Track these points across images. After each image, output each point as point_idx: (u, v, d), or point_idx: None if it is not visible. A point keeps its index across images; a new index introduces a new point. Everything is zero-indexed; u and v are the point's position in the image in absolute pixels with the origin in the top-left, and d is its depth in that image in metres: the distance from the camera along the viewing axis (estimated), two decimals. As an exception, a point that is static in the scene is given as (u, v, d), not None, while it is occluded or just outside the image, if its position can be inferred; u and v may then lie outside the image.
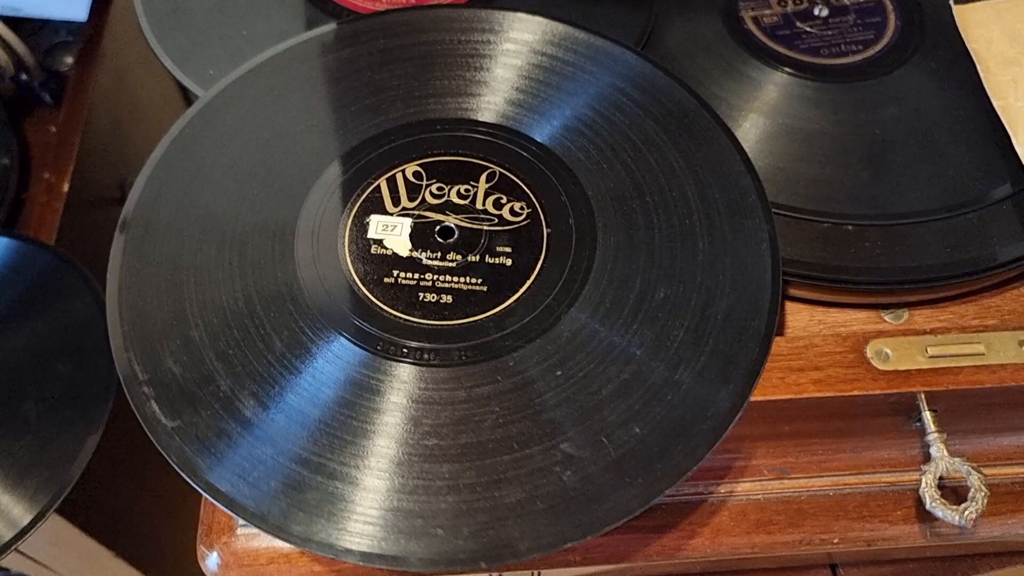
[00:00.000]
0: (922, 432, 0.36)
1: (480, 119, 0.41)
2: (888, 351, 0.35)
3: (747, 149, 0.39)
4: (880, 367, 0.34)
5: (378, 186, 0.38)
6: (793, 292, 0.40)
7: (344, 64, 0.42)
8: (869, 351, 0.34)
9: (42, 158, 0.67)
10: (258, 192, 0.38)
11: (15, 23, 0.74)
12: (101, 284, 0.51)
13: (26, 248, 0.58)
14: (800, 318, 0.40)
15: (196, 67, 0.43)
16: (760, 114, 0.44)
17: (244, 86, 0.41)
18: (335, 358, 0.34)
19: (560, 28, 0.43)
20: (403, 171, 0.39)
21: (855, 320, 0.40)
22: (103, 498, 0.61)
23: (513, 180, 0.39)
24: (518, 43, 0.42)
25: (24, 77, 0.69)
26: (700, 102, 0.40)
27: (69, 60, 0.74)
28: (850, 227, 0.40)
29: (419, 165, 0.39)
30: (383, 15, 0.44)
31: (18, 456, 0.49)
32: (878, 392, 0.33)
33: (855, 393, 0.33)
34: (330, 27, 0.43)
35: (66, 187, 0.65)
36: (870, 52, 0.46)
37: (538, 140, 0.39)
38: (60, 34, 0.77)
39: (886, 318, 0.40)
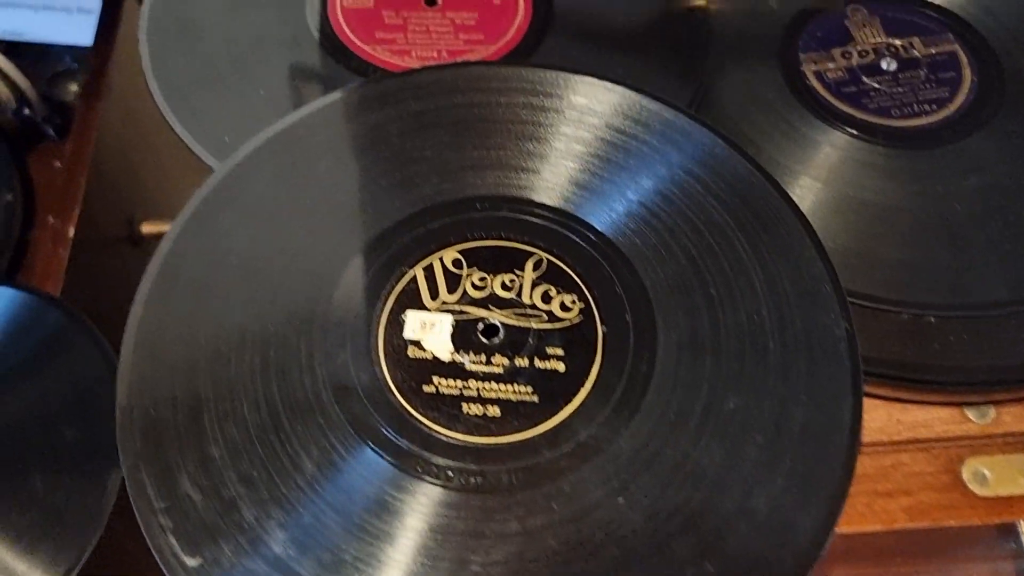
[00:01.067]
0: (1018, 554, 0.33)
1: (525, 196, 0.37)
2: (986, 472, 0.31)
3: (814, 226, 0.35)
4: (979, 492, 0.31)
5: (414, 276, 0.35)
6: (868, 389, 0.37)
7: (372, 131, 0.39)
8: (965, 473, 0.31)
9: (47, 197, 0.63)
10: (280, 283, 0.35)
11: (16, 48, 0.71)
12: (109, 339, 0.48)
13: (32, 301, 0.55)
14: (876, 417, 0.37)
15: (210, 132, 0.39)
16: (826, 184, 0.40)
17: (262, 158, 0.37)
18: (370, 482, 0.31)
19: (627, 97, 0.39)
20: (441, 258, 0.35)
21: (937, 420, 0.36)
22: (117, 570, 0.58)
23: (562, 268, 0.35)
24: (574, 110, 0.39)
25: (27, 112, 0.65)
26: (766, 176, 0.37)
27: (74, 88, 0.71)
28: (932, 319, 0.36)
29: (458, 251, 0.36)
30: (414, 74, 0.40)
31: (26, 531, 0.46)
32: (978, 523, 0.30)
33: (952, 524, 0.30)
34: (356, 88, 0.39)
35: (72, 232, 0.61)
36: (945, 113, 0.42)
37: (597, 228, 0.36)
38: (64, 61, 0.74)
39: (971, 416, 0.36)
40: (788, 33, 0.45)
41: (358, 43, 0.42)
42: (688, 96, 0.42)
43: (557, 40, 0.43)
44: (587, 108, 0.39)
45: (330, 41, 0.42)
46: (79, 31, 0.75)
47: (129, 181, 0.71)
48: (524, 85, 0.40)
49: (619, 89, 0.39)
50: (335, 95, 0.39)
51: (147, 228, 0.68)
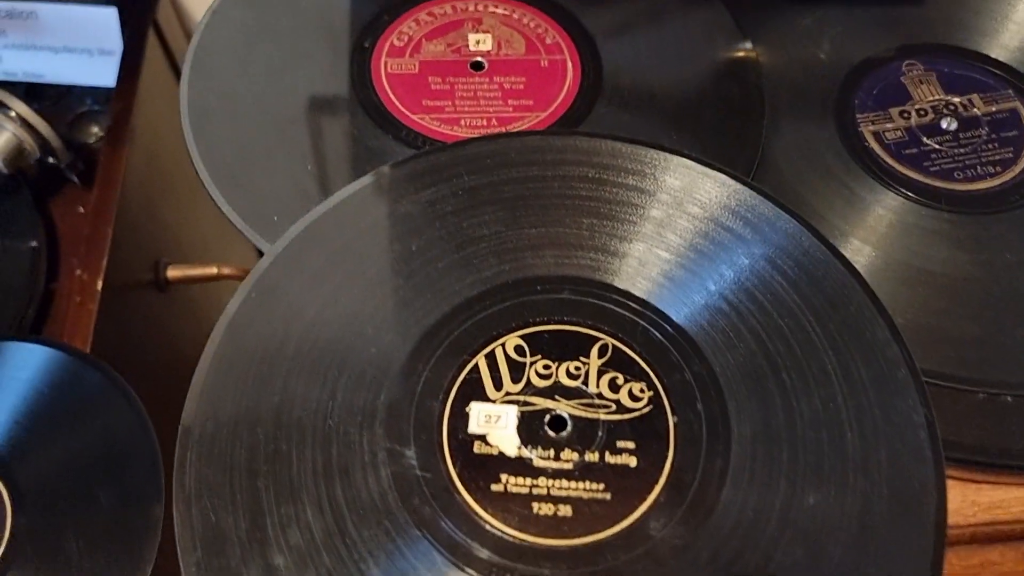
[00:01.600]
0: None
1: (586, 276, 0.36)
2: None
3: (888, 305, 0.34)
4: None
5: (476, 365, 0.34)
6: (944, 472, 0.36)
7: (426, 209, 0.37)
8: (1057, 571, 0.30)
9: (72, 244, 0.62)
10: (338, 376, 0.33)
11: (38, 90, 0.70)
12: (141, 396, 0.47)
13: (64, 359, 0.54)
14: (950, 498, 0.35)
15: (258, 211, 0.38)
16: (889, 254, 0.39)
17: (312, 240, 0.36)
18: (442, 590, 0.30)
19: (705, 178, 0.37)
20: (503, 345, 0.34)
21: (1015, 500, 0.35)
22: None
23: (629, 355, 0.34)
24: (639, 186, 0.37)
25: (50, 160, 0.64)
26: (834, 253, 0.36)
27: (96, 131, 0.70)
28: (1009, 398, 0.35)
29: (521, 337, 0.35)
30: (466, 146, 0.39)
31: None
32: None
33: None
34: (407, 163, 0.38)
35: (100, 285, 0.60)
36: (1010, 174, 0.41)
37: (670, 316, 0.34)
38: (85, 102, 0.73)
39: (1050, 498, 0.35)
40: (843, 90, 0.44)
41: (405, 112, 0.41)
42: (746, 164, 0.41)
43: (609, 103, 0.42)
44: (659, 185, 0.38)
45: (377, 111, 0.41)
46: (101, 73, 0.75)
47: (154, 226, 0.70)
48: (580, 157, 0.39)
49: (695, 167, 0.38)
50: (385, 170, 0.38)
51: (173, 273, 0.68)
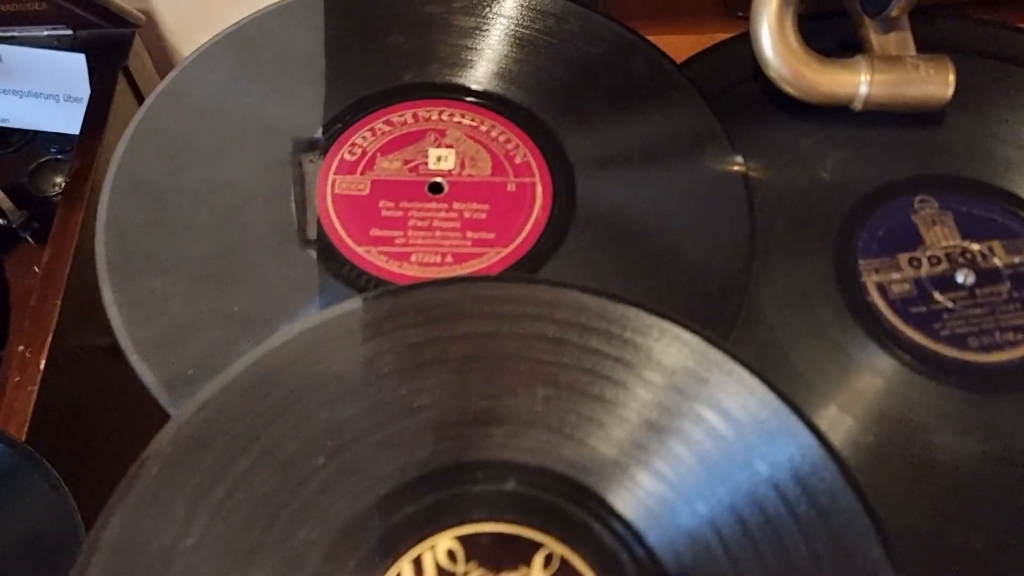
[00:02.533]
0: None
1: (537, 464, 0.31)
2: None
3: (879, 504, 0.29)
4: None
5: (399, 574, 0.29)
6: None
7: (362, 369, 0.33)
8: None
9: (20, 317, 0.58)
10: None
11: (2, 134, 0.67)
12: (83, 475, 0.43)
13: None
14: None
15: (171, 362, 0.33)
16: (889, 436, 0.34)
17: (231, 404, 0.32)
18: None
19: (698, 353, 0.32)
20: (434, 548, 0.30)
21: None
22: None
23: (577, 570, 0.29)
24: (604, 356, 0.33)
25: (1, 221, 0.61)
26: (826, 446, 0.31)
27: (59, 180, 0.66)
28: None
29: (455, 539, 0.30)
30: (412, 292, 0.34)
31: None
32: None
33: None
34: (346, 309, 0.34)
35: (43, 364, 0.56)
36: (1033, 344, 0.36)
37: (649, 543, 0.29)
38: (50, 150, 0.70)
39: None
40: (845, 226, 0.39)
41: (349, 243, 0.37)
42: (730, 316, 0.36)
43: (580, 237, 0.37)
44: (629, 352, 0.33)
45: (320, 238, 0.36)
46: (67, 119, 0.71)
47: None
48: (540, 311, 0.34)
49: (672, 330, 0.33)
50: (319, 318, 0.34)
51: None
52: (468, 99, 0.41)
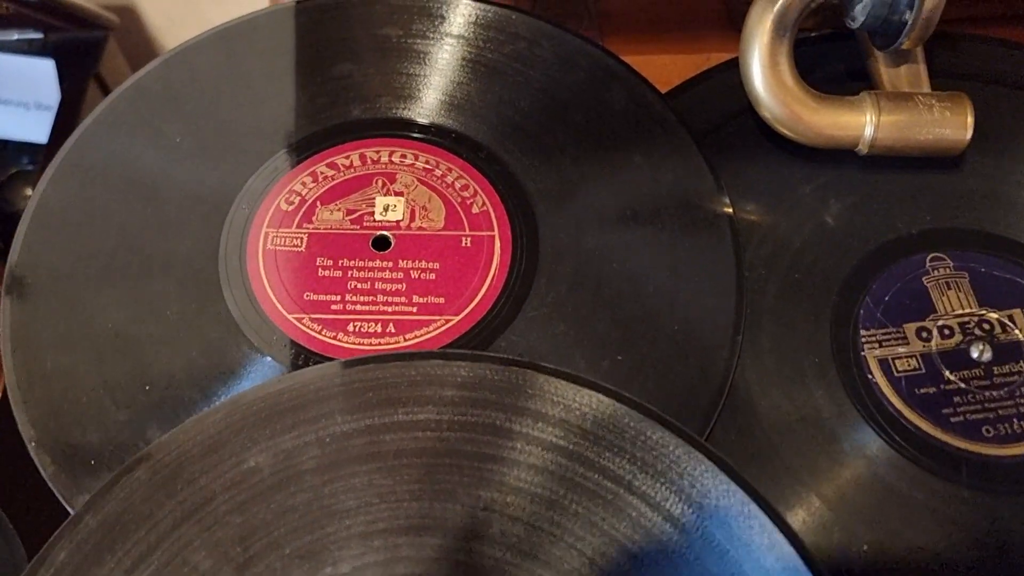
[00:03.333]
0: None
1: (472, 584, 0.27)
2: None
3: None
4: None
5: None
6: None
7: (280, 464, 0.29)
8: None
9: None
10: None
11: None
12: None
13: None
14: None
15: (69, 447, 0.29)
16: (886, 543, 0.29)
17: (134, 500, 0.28)
18: None
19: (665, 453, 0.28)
20: None
21: None
22: None
23: None
24: (567, 453, 0.28)
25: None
26: (807, 560, 0.26)
27: (29, 192, 0.63)
28: None
29: (375, 675, 0.26)
30: (345, 369, 0.30)
31: None
32: None
33: None
34: (265, 391, 0.29)
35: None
36: (1058, 435, 0.31)
37: None
38: (21, 161, 0.67)
39: None
40: (846, 289, 0.34)
41: (280, 309, 0.32)
42: (711, 398, 0.31)
43: (541, 303, 0.33)
44: (592, 451, 0.28)
45: (248, 302, 0.32)
46: (34, 128, 0.68)
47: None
48: (486, 395, 0.30)
49: (657, 437, 0.28)
50: (229, 405, 0.29)
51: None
52: (420, 136, 0.36)
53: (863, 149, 0.35)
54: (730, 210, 0.35)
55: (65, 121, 0.67)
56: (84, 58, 0.67)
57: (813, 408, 0.32)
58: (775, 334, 0.34)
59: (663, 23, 0.46)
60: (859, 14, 0.34)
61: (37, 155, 0.66)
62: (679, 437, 0.29)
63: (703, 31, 0.46)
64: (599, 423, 0.29)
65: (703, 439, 0.31)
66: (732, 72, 0.39)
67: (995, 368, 0.32)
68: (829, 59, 0.39)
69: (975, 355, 0.33)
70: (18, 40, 0.67)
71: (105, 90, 0.68)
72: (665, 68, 0.42)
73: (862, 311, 0.34)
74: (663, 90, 0.40)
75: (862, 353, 0.33)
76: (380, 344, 0.32)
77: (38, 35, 0.67)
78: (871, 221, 0.35)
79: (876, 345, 0.33)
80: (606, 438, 0.29)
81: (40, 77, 0.67)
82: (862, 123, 0.34)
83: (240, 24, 0.39)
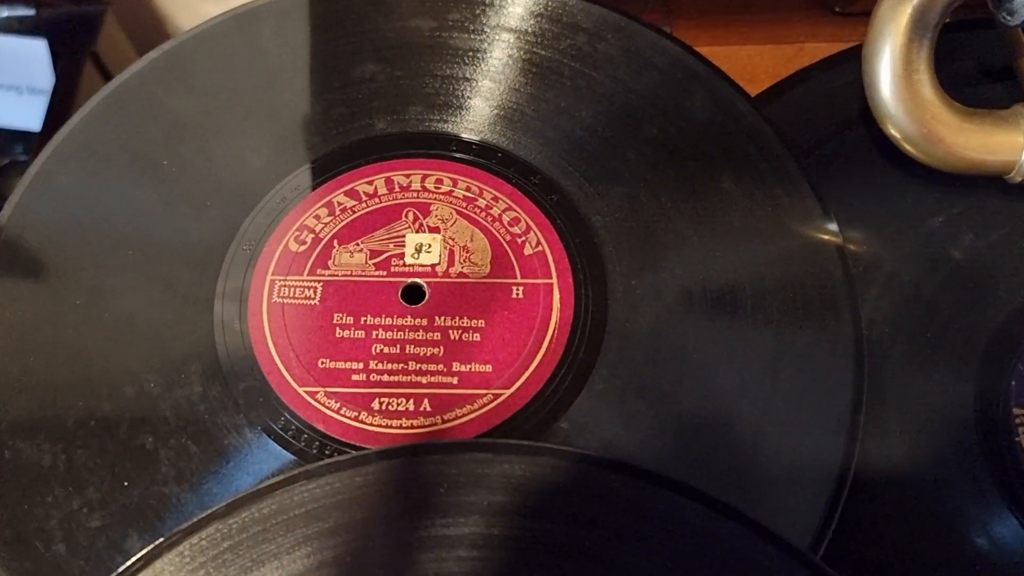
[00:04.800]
0: None
1: None
2: None
3: None
4: None
5: None
6: None
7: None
8: None
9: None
10: None
11: None
12: None
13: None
14: None
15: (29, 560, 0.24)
16: None
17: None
18: None
19: None
20: None
21: None
22: None
23: None
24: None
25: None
26: None
27: None
28: None
29: None
30: (368, 464, 0.23)
31: None
32: None
33: None
34: (269, 499, 0.23)
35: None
36: None
37: None
38: (14, 151, 0.62)
39: None
40: (993, 349, 0.27)
41: (288, 379, 0.26)
42: (824, 514, 0.24)
43: (612, 373, 0.26)
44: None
45: (250, 371, 0.26)
46: (27, 114, 0.63)
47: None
48: (544, 503, 0.23)
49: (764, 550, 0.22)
50: (223, 505, 0.23)
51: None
52: (460, 157, 0.29)
53: (1017, 177, 0.27)
54: (843, 248, 0.28)
55: (60, 106, 0.62)
56: (80, 36, 0.61)
57: (951, 503, 0.25)
58: (900, 406, 0.27)
59: (743, 5, 0.39)
60: (1020, 8, 0.26)
61: (32, 144, 0.61)
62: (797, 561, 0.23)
63: (791, 15, 0.38)
64: (705, 545, 0.23)
65: (819, 552, 0.24)
66: (835, 72, 0.32)
67: None
68: (957, 54, 0.32)
69: None
70: (7, 18, 0.61)
71: (103, 71, 0.62)
72: (750, 62, 0.35)
73: (1014, 381, 0.27)
74: (750, 92, 0.32)
75: (1015, 438, 0.26)
76: (412, 427, 0.26)
77: (29, 12, 0.61)
78: (1020, 264, 0.28)
79: (1033, 423, 0.26)
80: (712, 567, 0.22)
81: (32, 58, 0.61)
82: (1018, 145, 0.27)
83: (240, 14, 0.32)
